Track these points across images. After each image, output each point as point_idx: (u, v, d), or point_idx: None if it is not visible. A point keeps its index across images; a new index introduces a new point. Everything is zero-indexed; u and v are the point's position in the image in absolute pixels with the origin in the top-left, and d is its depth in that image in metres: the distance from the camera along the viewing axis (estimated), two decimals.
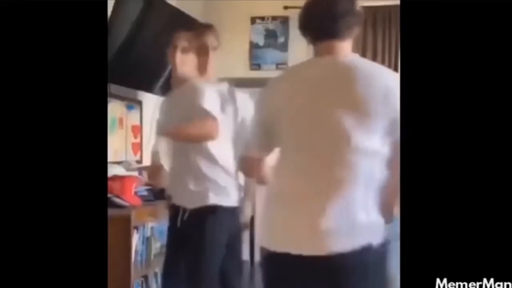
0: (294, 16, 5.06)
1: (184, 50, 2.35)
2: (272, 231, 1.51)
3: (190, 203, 2.28)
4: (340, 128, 1.41)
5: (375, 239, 1.39)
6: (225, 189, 2.30)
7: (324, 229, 1.38)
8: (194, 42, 2.35)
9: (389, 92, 1.39)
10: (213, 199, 2.27)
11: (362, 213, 1.39)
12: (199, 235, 2.28)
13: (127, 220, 2.68)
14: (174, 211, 2.34)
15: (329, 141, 1.43)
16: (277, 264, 1.48)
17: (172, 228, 2.40)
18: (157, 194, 3.01)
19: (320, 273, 1.40)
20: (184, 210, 2.29)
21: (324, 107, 1.45)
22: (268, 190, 1.57)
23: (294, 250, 1.41)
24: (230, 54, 3.97)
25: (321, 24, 1.51)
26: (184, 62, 2.35)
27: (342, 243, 1.37)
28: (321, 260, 1.38)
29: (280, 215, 1.48)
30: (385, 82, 1.42)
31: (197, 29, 2.44)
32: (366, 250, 1.37)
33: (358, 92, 1.41)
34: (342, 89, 1.44)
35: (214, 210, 2.27)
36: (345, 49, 1.51)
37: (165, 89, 2.62)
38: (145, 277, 3.07)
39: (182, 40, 2.36)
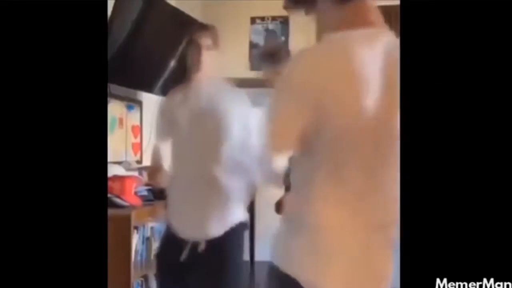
0: (294, 16, 5.09)
1: (208, 48, 2.30)
2: None
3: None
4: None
5: None
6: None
7: None
8: (215, 40, 2.32)
9: None
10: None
11: None
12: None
13: (127, 220, 2.68)
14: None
15: None
16: None
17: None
18: (157, 194, 3.01)
19: None
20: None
21: None
22: None
23: None
24: (230, 54, 3.97)
25: None
26: (208, 61, 2.31)
27: None
28: None
29: None
30: None
31: (197, 27, 2.42)
32: None
33: None
34: None
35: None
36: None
37: (165, 89, 2.60)
38: (145, 277, 3.07)
39: (207, 38, 2.30)
